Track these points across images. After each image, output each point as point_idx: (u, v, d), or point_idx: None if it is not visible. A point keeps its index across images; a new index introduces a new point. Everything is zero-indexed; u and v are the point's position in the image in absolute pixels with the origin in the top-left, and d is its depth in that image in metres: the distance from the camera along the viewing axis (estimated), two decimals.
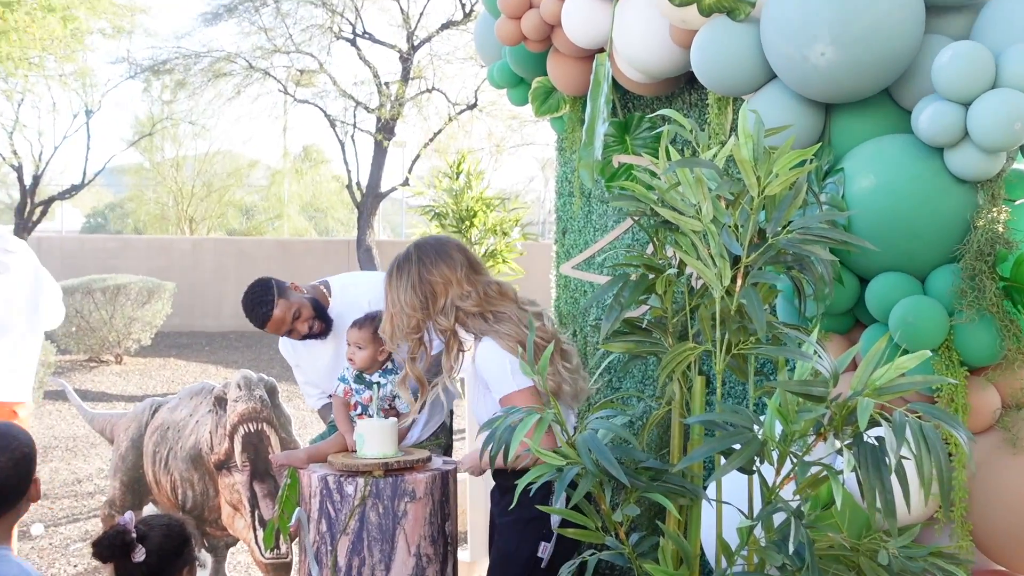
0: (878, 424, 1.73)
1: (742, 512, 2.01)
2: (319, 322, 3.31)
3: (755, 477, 1.95)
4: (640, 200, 2.11)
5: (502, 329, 2.67)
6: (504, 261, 8.52)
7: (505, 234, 8.76)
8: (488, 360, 2.66)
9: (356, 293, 3.43)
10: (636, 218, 2.19)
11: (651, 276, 2.15)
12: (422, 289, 2.74)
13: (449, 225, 8.71)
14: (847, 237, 1.97)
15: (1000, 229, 2.40)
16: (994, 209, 2.42)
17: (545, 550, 2.60)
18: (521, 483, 2.05)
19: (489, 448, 2.07)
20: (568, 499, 1.95)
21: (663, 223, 2.13)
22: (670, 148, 2.12)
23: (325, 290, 3.44)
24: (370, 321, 3.20)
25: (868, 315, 2.60)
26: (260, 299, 3.22)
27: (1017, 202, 2.55)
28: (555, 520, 2.54)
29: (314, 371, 3.52)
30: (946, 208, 2.43)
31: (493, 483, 2.87)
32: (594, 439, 2.01)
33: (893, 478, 1.70)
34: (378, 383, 3.19)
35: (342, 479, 2.96)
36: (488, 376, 2.66)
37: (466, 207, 8.72)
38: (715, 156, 2.13)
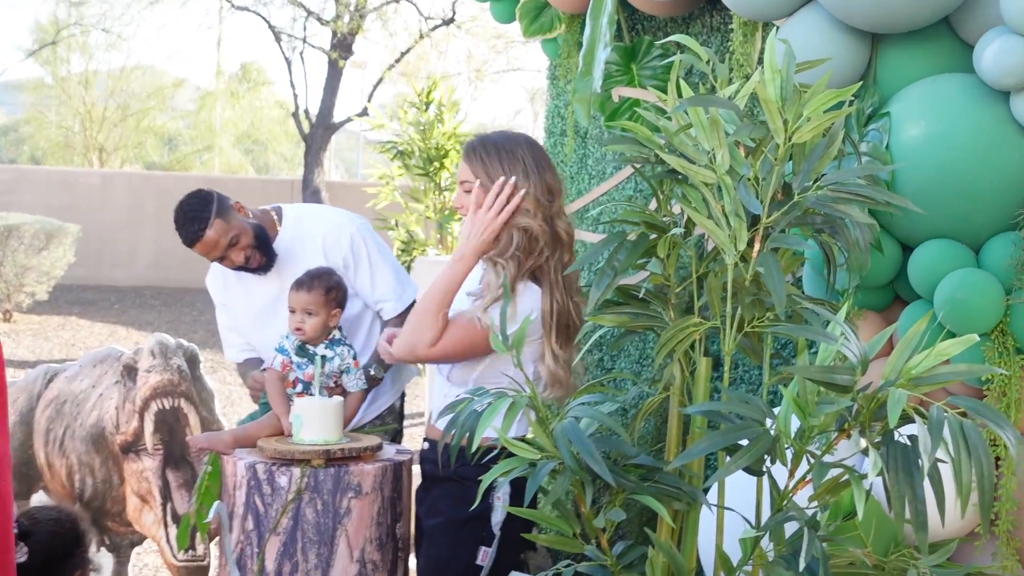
0: (912, 421, 1.75)
1: (747, 520, 2.03)
2: (259, 254, 3.33)
3: (764, 479, 1.97)
4: (643, 144, 2.12)
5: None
6: None
7: None
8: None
9: (312, 228, 3.44)
10: (637, 166, 2.19)
11: (652, 236, 2.15)
12: (543, 181, 2.64)
13: (415, 167, 8.68)
14: (889, 196, 1.99)
15: None
16: None
17: (485, 556, 2.60)
18: (486, 479, 2.07)
19: (451, 436, 2.10)
20: (535, 502, 1.98)
21: (669, 173, 2.14)
22: (682, 82, 2.12)
23: (276, 217, 3.46)
24: (321, 280, 3.21)
25: (910, 290, 2.62)
26: (195, 215, 3.24)
27: None
28: (496, 519, 2.55)
29: (245, 314, 3.52)
30: (1010, 164, 2.45)
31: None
32: (575, 429, 2.02)
33: (927, 484, 1.72)
34: (324, 356, 3.21)
35: (274, 468, 2.97)
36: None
37: (436, 145, 8.68)
38: (736, 94, 2.13)
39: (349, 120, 14.99)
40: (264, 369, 3.38)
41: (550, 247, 2.60)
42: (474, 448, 2.03)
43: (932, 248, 2.53)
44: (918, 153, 2.48)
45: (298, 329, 3.19)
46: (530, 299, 2.61)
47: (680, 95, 2.13)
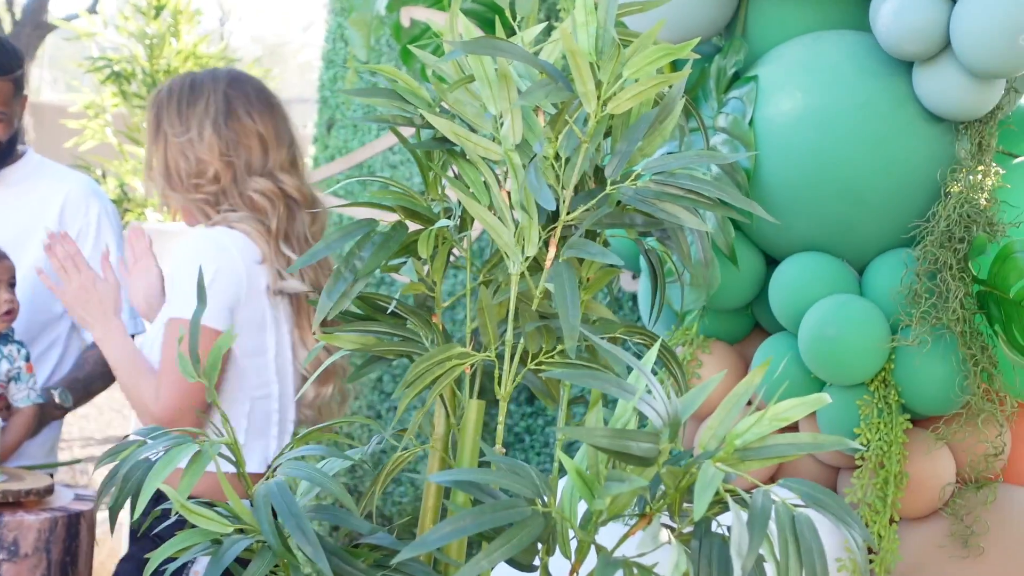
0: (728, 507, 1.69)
1: None
2: None
3: None
4: (404, 98, 2.03)
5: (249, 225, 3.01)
6: None
7: None
8: (182, 253, 2.96)
9: (54, 180, 3.56)
10: (396, 128, 2.12)
11: (414, 228, 2.08)
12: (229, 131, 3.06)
13: (135, 95, 8.33)
14: (730, 196, 1.94)
15: (983, 202, 2.44)
16: (979, 168, 2.47)
17: None
18: (153, 559, 1.98)
19: (109, 493, 2.01)
20: None
21: (440, 142, 2.07)
22: (463, 15, 2.05)
23: (21, 149, 3.59)
24: None
25: (772, 318, 2.64)
26: (9, 49, 3.42)
27: (1017, 159, 2.59)
28: None
29: None
30: (907, 158, 2.48)
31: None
32: (283, 493, 1.93)
33: None
34: None
35: None
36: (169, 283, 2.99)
37: (166, 67, 8.33)
38: (540, 41, 2.08)
39: (75, 18, 14.38)
40: None
41: (279, 208, 2.93)
42: (137, 515, 1.93)
43: (800, 264, 2.54)
44: (789, 134, 2.49)
45: (9, 312, 3.19)
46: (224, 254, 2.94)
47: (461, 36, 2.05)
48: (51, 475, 3.35)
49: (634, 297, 2.81)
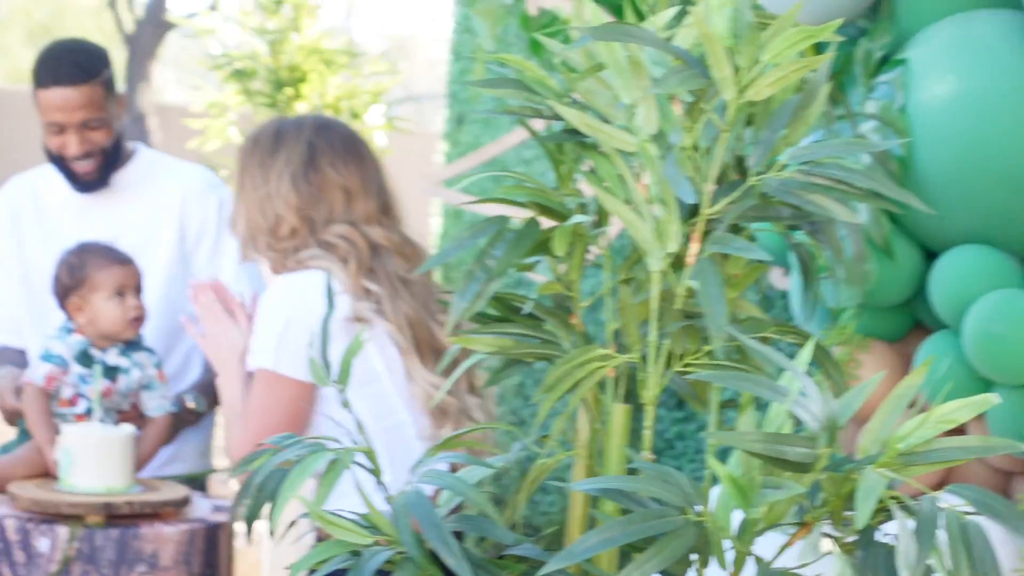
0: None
1: None
2: (102, 160, 3.46)
3: None
4: (532, 90, 2.01)
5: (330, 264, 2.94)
6: None
7: (356, 117, 8.43)
8: (264, 305, 2.93)
9: (169, 180, 3.58)
10: (525, 121, 2.09)
11: (546, 225, 2.06)
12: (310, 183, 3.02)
13: (257, 92, 8.35)
14: (882, 186, 1.90)
15: None
16: None
17: None
18: (294, 569, 1.96)
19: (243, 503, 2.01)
20: None
21: (571, 134, 2.05)
22: (591, 1, 2.04)
23: (131, 148, 3.62)
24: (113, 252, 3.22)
25: (934, 314, 2.61)
26: (88, 55, 3.45)
27: None
28: None
29: (20, 267, 3.54)
30: None
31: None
32: (423, 503, 1.94)
33: None
34: (117, 367, 3.17)
35: (30, 526, 2.93)
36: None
37: (288, 63, 8.33)
38: (672, 26, 2.05)
39: (196, 15, 14.61)
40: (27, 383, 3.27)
41: (358, 248, 2.94)
42: (274, 526, 1.96)
43: (961, 257, 2.52)
44: (943, 119, 2.49)
45: (137, 319, 3.19)
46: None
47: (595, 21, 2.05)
48: (205, 482, 3.42)
49: (786, 295, 2.78)
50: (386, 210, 3.10)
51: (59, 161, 3.43)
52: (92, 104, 3.37)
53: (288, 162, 3.02)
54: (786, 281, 2.94)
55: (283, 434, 2.20)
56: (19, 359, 3.48)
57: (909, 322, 2.73)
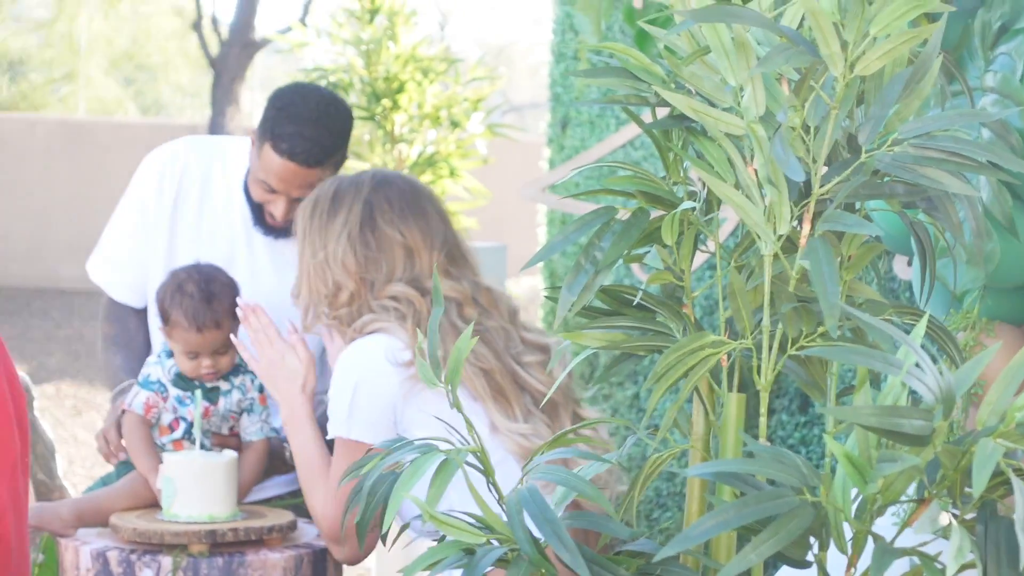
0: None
1: None
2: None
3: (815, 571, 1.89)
4: (636, 76, 2.02)
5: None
6: (454, 176, 8.09)
7: (456, 125, 8.36)
8: (335, 376, 2.97)
9: None
10: (630, 109, 2.11)
11: (654, 213, 2.07)
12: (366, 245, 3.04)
13: (355, 106, 8.27)
14: (1005, 159, 1.87)
15: None
16: None
17: None
18: (407, 572, 1.96)
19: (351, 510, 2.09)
20: None
21: (678, 120, 2.05)
22: None
23: None
24: (222, 300, 3.20)
25: None
26: (339, 128, 3.41)
27: None
28: None
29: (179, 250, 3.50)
30: None
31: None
32: (537, 500, 1.95)
33: None
34: (217, 388, 3.22)
35: (134, 557, 2.97)
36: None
37: (385, 74, 8.29)
38: (778, 5, 2.04)
39: (288, 31, 14.72)
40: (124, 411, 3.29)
41: (416, 307, 2.96)
42: (386, 528, 1.96)
43: None
44: None
45: (211, 372, 3.19)
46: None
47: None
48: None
49: (910, 287, 2.75)
50: (452, 260, 3.07)
51: (256, 205, 3.39)
52: (317, 182, 3.26)
53: (346, 223, 3.01)
54: (910, 272, 2.92)
55: (394, 438, 2.25)
56: (134, 322, 3.52)
57: None
